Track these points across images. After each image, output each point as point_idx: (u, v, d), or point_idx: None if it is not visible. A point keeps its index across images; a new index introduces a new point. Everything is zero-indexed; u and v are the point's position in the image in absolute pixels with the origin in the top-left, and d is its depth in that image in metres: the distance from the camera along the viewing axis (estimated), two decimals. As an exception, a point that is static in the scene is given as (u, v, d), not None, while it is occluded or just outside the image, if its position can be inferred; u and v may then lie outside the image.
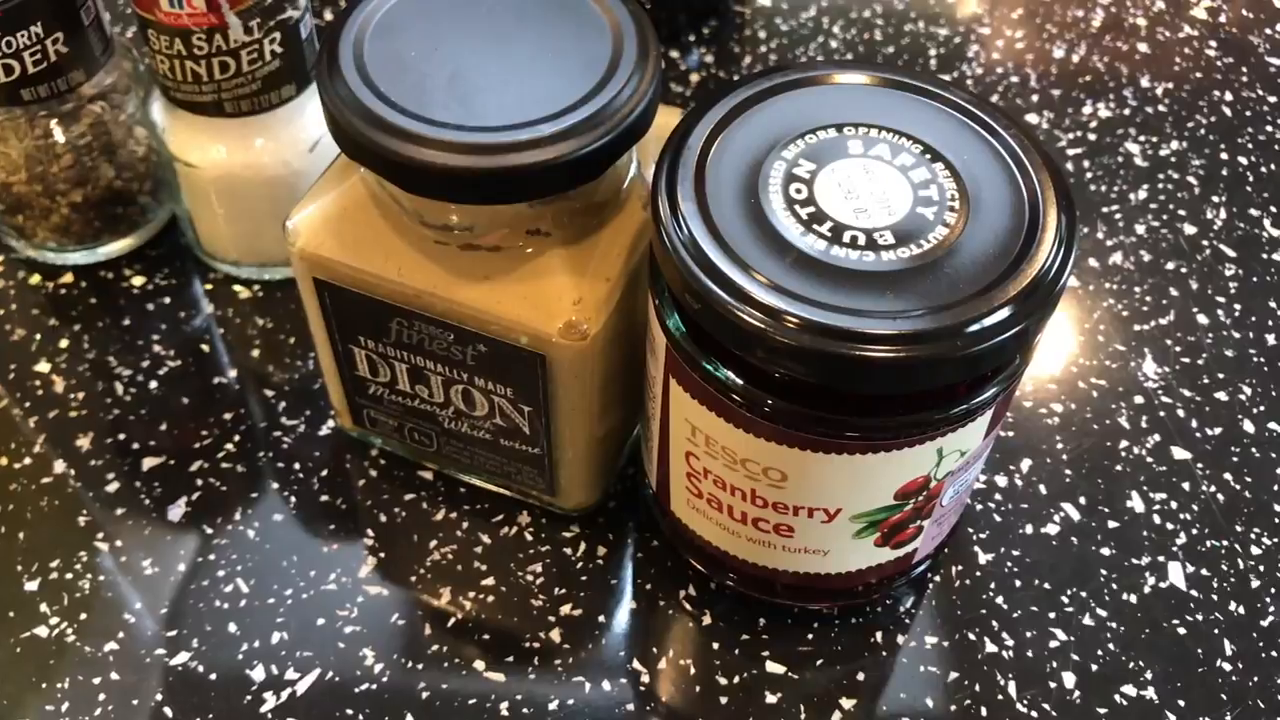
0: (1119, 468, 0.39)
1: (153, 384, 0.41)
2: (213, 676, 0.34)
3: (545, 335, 0.31)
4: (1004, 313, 0.26)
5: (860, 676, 0.35)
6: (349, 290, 0.32)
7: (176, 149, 0.40)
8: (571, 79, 0.30)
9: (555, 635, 0.35)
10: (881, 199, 0.28)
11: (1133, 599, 0.36)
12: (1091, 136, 0.50)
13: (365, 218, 0.32)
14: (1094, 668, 0.35)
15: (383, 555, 0.37)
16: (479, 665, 0.35)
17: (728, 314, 0.26)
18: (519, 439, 0.35)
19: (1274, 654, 0.35)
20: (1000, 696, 0.34)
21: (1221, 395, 0.41)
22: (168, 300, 0.43)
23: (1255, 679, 0.35)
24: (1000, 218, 0.28)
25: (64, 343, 0.42)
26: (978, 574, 0.37)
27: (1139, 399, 0.41)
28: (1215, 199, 0.48)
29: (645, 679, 0.35)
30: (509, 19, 0.31)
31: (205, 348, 0.42)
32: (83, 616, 0.35)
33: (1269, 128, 0.50)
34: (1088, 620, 0.36)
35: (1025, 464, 0.39)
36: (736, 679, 0.35)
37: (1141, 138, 0.50)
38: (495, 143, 0.28)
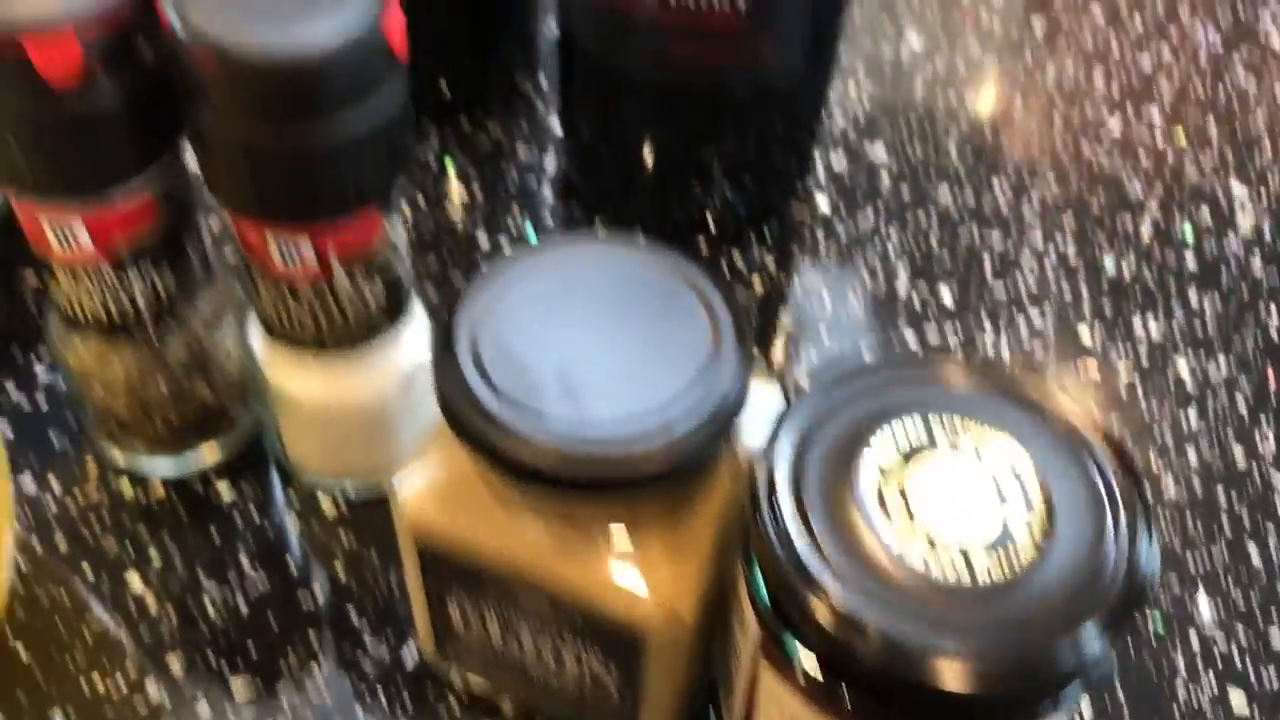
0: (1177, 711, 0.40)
1: (240, 602, 0.42)
2: None
3: (641, 617, 0.32)
4: (1089, 636, 0.28)
5: None
6: (449, 552, 0.34)
7: (273, 377, 0.42)
8: (673, 369, 0.32)
9: None
10: (971, 509, 0.30)
11: None
12: (1142, 350, 0.51)
13: (468, 485, 0.34)
14: None
15: (464, 790, 0.38)
16: None
17: (810, 618, 0.28)
18: (606, 699, 0.36)
19: None
20: None
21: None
22: (254, 512, 0.44)
23: None
24: (1085, 536, 0.29)
25: (154, 555, 0.43)
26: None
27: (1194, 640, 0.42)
28: (1264, 423, 0.49)
29: None
30: (614, 306, 0.33)
31: (290, 564, 0.43)
32: None
33: (1314, 348, 0.52)
34: None
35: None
36: None
37: (1190, 353, 0.51)
38: (601, 441, 0.30)
